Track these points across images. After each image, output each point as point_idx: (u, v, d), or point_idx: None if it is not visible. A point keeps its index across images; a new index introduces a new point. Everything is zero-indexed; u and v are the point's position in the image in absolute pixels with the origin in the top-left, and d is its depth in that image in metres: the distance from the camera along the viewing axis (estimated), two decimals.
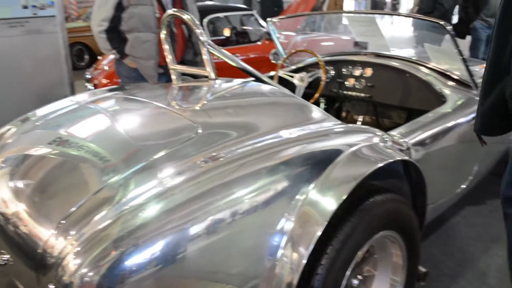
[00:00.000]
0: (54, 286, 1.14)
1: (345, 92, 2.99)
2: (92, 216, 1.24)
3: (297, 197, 1.37)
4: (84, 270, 1.12)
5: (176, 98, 2.13)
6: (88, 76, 5.33)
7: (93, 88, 5.00)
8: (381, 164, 1.54)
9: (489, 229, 2.79)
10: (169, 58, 2.42)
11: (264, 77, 2.27)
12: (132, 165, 1.42)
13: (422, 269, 1.90)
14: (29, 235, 1.35)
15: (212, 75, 2.20)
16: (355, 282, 1.65)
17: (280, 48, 3.37)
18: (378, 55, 2.90)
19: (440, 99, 2.46)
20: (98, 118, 1.91)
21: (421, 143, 1.98)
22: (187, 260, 1.19)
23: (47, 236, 1.27)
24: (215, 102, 1.97)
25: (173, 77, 2.45)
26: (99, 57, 5.85)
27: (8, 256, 1.51)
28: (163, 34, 2.35)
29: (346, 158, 1.51)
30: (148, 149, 1.53)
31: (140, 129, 1.77)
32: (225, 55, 2.22)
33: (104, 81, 4.88)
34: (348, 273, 1.49)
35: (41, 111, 2.16)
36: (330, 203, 1.37)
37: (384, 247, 1.75)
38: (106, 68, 5.06)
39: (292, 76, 3.07)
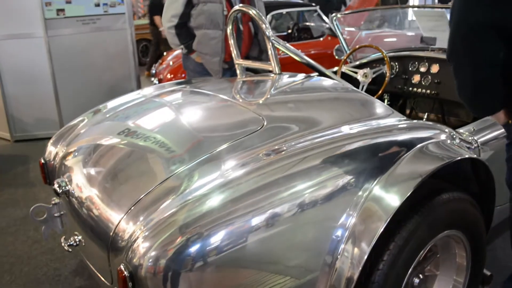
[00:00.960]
0: (124, 266, 1.20)
1: (410, 88, 2.92)
2: (159, 204, 1.30)
3: (360, 192, 1.36)
4: (152, 253, 1.17)
5: (241, 92, 2.17)
6: (153, 71, 5.51)
7: (158, 82, 5.17)
8: (448, 161, 1.50)
9: None
10: (234, 53, 2.47)
11: (328, 72, 2.27)
12: (197, 156, 1.47)
13: (486, 272, 1.84)
14: (101, 218, 1.44)
15: (277, 70, 2.23)
16: (416, 280, 1.62)
17: (343, 44, 3.33)
18: (444, 50, 2.79)
19: None
20: (164, 110, 1.99)
21: (491, 142, 1.90)
22: (248, 250, 1.22)
23: (118, 220, 1.34)
24: (279, 96, 1.99)
25: (238, 71, 2.50)
26: (164, 53, 6.03)
27: (80, 237, 1.62)
28: (229, 30, 2.40)
29: (412, 154, 1.48)
30: (213, 141, 1.57)
31: (205, 121, 1.83)
32: (289, 49, 2.24)
33: (169, 76, 5.03)
34: (410, 270, 1.46)
35: (111, 104, 2.28)
36: (393, 200, 1.35)
37: (448, 247, 1.70)
38: (170, 63, 5.21)
39: (355, 72, 3.03)
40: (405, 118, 1.77)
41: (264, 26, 2.21)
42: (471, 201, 1.64)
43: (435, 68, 2.77)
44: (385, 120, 1.72)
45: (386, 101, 3.07)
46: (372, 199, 1.36)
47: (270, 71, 2.31)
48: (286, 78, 2.20)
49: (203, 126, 1.77)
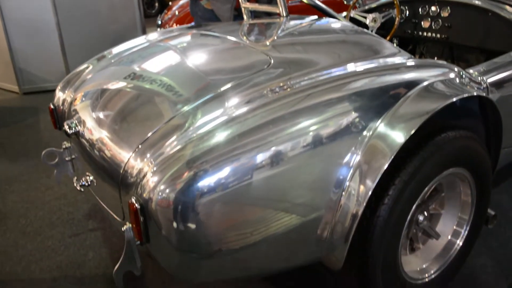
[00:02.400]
0: (135, 200, 1.24)
1: (420, 33, 2.87)
2: (166, 141, 1.32)
3: (366, 130, 1.37)
4: (162, 187, 1.20)
5: (248, 34, 2.16)
6: (159, 22, 5.44)
7: None
8: (455, 99, 1.49)
9: None
10: None
11: (336, 15, 2.23)
12: (202, 96, 1.48)
13: (491, 212, 1.86)
14: (111, 157, 1.46)
15: (284, 13, 2.19)
16: (421, 218, 1.65)
17: None
18: None
19: None
20: (170, 53, 1.98)
21: (500, 84, 1.88)
22: (253, 186, 1.24)
23: (127, 158, 1.37)
24: (287, 37, 1.98)
25: (244, 15, 2.46)
26: (170, 3, 5.93)
27: (92, 177, 1.66)
28: None
29: (419, 92, 1.48)
30: (219, 80, 1.57)
31: (211, 62, 1.82)
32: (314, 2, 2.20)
33: (174, 25, 4.96)
34: (414, 206, 1.49)
35: (116, 49, 2.27)
36: (398, 136, 1.35)
37: (453, 185, 1.72)
38: (176, 13, 5.13)
39: (364, 17, 2.98)
40: (412, 57, 1.75)
41: None
42: (478, 140, 1.64)
43: (445, 12, 2.71)
44: (392, 58, 1.70)
45: (395, 45, 3.02)
46: (377, 136, 1.36)
47: (278, 14, 2.28)
48: (293, 21, 2.17)
49: (209, 67, 1.77)
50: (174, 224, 1.21)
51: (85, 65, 2.21)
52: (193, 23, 4.98)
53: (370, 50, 1.80)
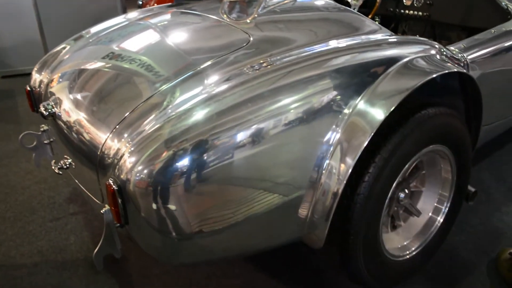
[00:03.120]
0: (113, 181, 1.22)
1: (402, 10, 2.85)
2: (143, 120, 1.30)
3: (346, 107, 1.36)
4: (139, 168, 1.18)
5: (229, 11, 2.12)
6: (140, 2, 5.33)
7: None
8: (435, 75, 1.49)
9: None
10: None
11: None
12: (181, 74, 1.45)
13: (471, 188, 1.88)
14: (88, 139, 1.44)
15: None
16: (402, 195, 1.66)
17: None
18: None
19: (506, 16, 2.29)
20: (149, 32, 1.94)
21: (480, 61, 1.88)
22: (233, 165, 1.23)
23: (104, 139, 1.34)
24: (268, 15, 1.94)
25: None
26: None
27: (70, 160, 1.63)
28: None
29: (399, 69, 1.47)
30: (198, 58, 1.55)
31: (191, 40, 1.79)
32: None
33: (156, 5, 4.87)
34: (395, 183, 1.49)
35: (94, 29, 2.22)
36: (378, 113, 1.35)
37: (433, 162, 1.73)
38: (153, 5, 5.03)
39: None
40: (393, 34, 1.74)
41: None
42: (458, 117, 1.65)
43: None
44: (373, 35, 1.69)
45: (377, 23, 3.01)
46: (357, 113, 1.36)
47: None
48: None
49: (188, 46, 1.73)
50: (153, 206, 1.19)
51: (62, 46, 2.16)
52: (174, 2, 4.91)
53: (351, 27, 1.78)
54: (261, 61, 1.45)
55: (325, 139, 1.34)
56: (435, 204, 1.81)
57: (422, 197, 1.82)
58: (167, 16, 2.16)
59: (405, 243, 1.76)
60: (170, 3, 2.62)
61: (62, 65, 1.92)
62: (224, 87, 1.34)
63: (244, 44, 1.57)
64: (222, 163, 1.21)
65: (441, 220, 1.79)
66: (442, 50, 1.71)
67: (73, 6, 4.80)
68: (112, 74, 1.65)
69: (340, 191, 1.32)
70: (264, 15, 1.98)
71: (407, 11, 2.82)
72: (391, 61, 1.50)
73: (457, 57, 1.77)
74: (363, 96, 1.38)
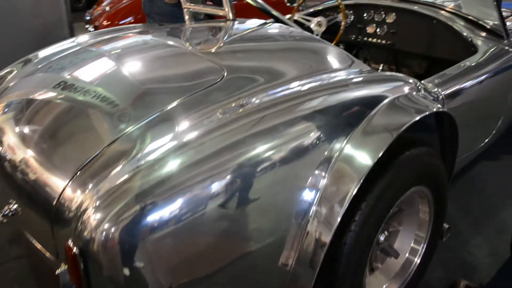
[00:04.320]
0: (72, 242, 1.05)
1: (365, 38, 2.83)
2: (110, 170, 1.13)
3: (331, 151, 1.27)
4: (106, 226, 1.02)
5: (193, 38, 1.98)
6: (88, 17, 5.10)
7: (93, 30, 4.79)
8: (419, 117, 1.43)
9: (505, 185, 2.72)
10: None
11: (285, 19, 2.12)
12: (147, 114, 1.29)
13: (445, 225, 1.83)
14: (40, 184, 1.25)
15: (231, 15, 2.04)
16: (382, 238, 1.58)
17: None
18: (404, 0, 2.70)
19: (469, 48, 2.31)
20: (105, 60, 1.76)
21: (453, 94, 1.85)
22: (209, 217, 1.10)
23: (62, 187, 1.17)
24: (236, 44, 1.83)
25: (186, 16, 2.29)
26: None
27: (16, 206, 1.42)
28: None
29: (382, 110, 1.39)
30: (166, 95, 1.40)
31: (154, 72, 1.63)
32: (260, 4, 2.06)
33: (105, 22, 4.68)
34: (380, 229, 1.41)
35: (43, 53, 2.02)
36: (365, 159, 1.26)
37: (412, 202, 1.66)
38: (107, 9, 4.83)
39: (308, 20, 2.90)
40: (368, 68, 1.67)
41: None
42: (437, 155, 1.60)
43: (391, 18, 2.68)
44: (349, 70, 1.61)
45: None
46: (343, 158, 1.26)
47: (223, 17, 2.13)
48: (241, 25, 2.03)
49: (152, 78, 1.57)
50: (122, 267, 1.04)
51: (7, 70, 1.95)
52: (129, 19, 4.71)
53: (326, 60, 1.70)
54: (235, 104, 1.31)
55: (311, 184, 1.23)
56: (412, 245, 1.75)
57: (399, 237, 1.75)
58: (124, 43, 1.97)
59: (384, 286, 1.68)
60: (124, 26, 2.44)
61: (8, 92, 1.72)
62: (196, 133, 1.20)
63: (218, 80, 1.42)
64: (195, 215, 1.08)
65: (418, 261, 1.73)
66: (419, 86, 1.66)
67: (14, 21, 4.49)
68: (67, 108, 1.47)
69: (329, 241, 1.21)
70: (230, 43, 1.86)
71: (370, 39, 2.80)
72: (374, 101, 1.42)
73: (433, 93, 1.73)
74: (349, 139, 1.29)
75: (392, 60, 2.92)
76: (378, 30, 2.76)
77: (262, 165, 1.18)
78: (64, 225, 1.13)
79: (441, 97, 1.76)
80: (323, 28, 2.83)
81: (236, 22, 2.04)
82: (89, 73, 1.67)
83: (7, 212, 1.44)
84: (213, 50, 1.70)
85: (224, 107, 1.28)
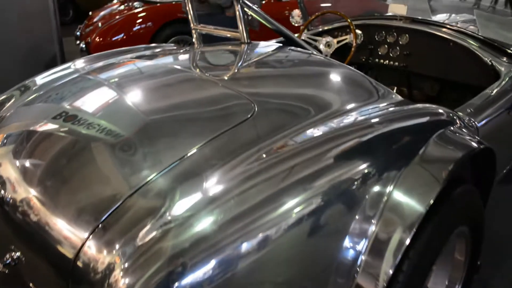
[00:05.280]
0: None
1: (376, 60, 2.73)
2: (137, 226, 0.99)
3: (378, 195, 1.15)
4: None
5: (207, 64, 1.84)
6: (78, 33, 4.95)
7: (84, 46, 4.63)
8: (465, 153, 1.31)
9: None
10: (190, 14, 2.12)
11: (303, 43, 2.01)
12: (171, 158, 1.14)
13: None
14: (53, 234, 1.09)
15: (246, 38, 1.92)
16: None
17: (303, 7, 3.05)
18: (416, 21, 2.62)
19: (489, 72, 2.22)
20: (113, 90, 1.59)
21: (485, 124, 1.75)
22: (249, 277, 0.99)
23: (81, 241, 1.01)
24: (258, 70, 1.70)
25: (195, 39, 2.16)
26: (90, 13, 5.42)
27: (19, 253, 1.25)
28: None
29: (429, 148, 1.28)
30: (189, 135, 1.25)
31: (171, 104, 1.46)
32: (260, 14, 1.94)
33: (98, 39, 4.52)
34: (427, 277, 1.29)
35: (40, 80, 1.87)
36: (417, 205, 1.15)
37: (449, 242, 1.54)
38: (99, 25, 4.67)
39: (315, 40, 2.79)
40: (399, 97, 1.56)
41: None
42: (476, 191, 1.49)
43: (404, 39, 2.59)
44: (382, 101, 1.49)
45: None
46: (392, 204, 1.14)
47: (236, 40, 2.01)
48: (257, 48, 1.91)
49: (170, 113, 1.40)
50: None
51: (3, 96, 1.79)
52: (121, 35, 4.57)
53: (358, 91, 1.58)
54: (272, 145, 1.17)
55: (358, 232, 1.11)
56: (447, 283, 1.63)
57: (432, 277, 1.63)
58: (127, 69, 1.81)
59: None
60: (125, 48, 2.27)
61: (7, 123, 1.56)
62: (229, 184, 1.06)
63: (249, 116, 1.26)
64: (236, 277, 0.96)
65: None
66: (455, 117, 1.55)
67: (3, 37, 4.31)
68: (76, 144, 1.31)
69: None
70: (250, 69, 1.73)
71: (382, 61, 2.70)
72: (418, 138, 1.31)
73: (470, 125, 1.62)
74: (397, 182, 1.17)
75: (404, 82, 2.83)
76: (390, 51, 2.66)
77: (305, 214, 1.05)
78: (86, 286, 0.98)
79: (476, 127, 1.66)
80: (332, 49, 2.73)
81: (252, 46, 1.92)
82: (98, 104, 1.50)
83: (8, 261, 1.28)
84: (233, 78, 1.57)
85: (259, 151, 1.14)
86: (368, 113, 1.37)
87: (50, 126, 1.43)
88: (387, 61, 2.68)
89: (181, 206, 1.01)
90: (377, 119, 1.35)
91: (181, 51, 2.07)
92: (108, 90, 1.61)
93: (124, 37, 4.69)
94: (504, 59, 2.27)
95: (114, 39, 4.63)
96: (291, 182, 1.08)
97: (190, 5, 2.10)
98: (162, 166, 1.12)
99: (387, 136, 1.29)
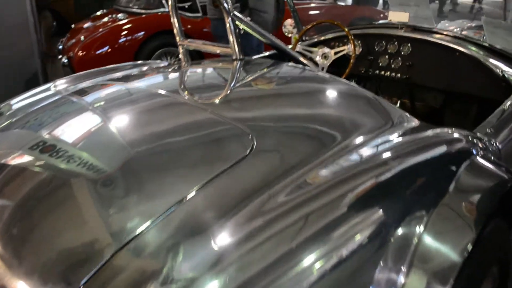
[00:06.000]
0: None
1: (377, 71, 2.56)
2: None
3: (404, 243, 0.97)
4: None
5: (197, 87, 1.64)
6: (60, 47, 4.74)
7: (67, 61, 4.43)
8: (500, 189, 1.15)
9: None
10: (175, 27, 1.94)
11: (296, 54, 1.84)
12: (165, 205, 0.95)
13: None
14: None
15: (238, 54, 1.73)
16: None
17: (296, 17, 2.86)
18: (418, 29, 2.45)
19: (500, 83, 2.06)
20: (97, 118, 1.40)
21: (507, 144, 1.58)
22: None
23: None
24: (254, 93, 1.51)
25: (181, 55, 1.97)
26: (72, 26, 5.21)
27: None
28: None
29: (458, 186, 1.11)
30: (181, 175, 1.06)
31: (158, 137, 1.24)
32: (254, 28, 1.77)
33: (81, 53, 4.33)
34: None
35: (16, 103, 1.67)
36: (452, 255, 0.98)
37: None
38: (82, 38, 4.47)
39: (310, 52, 2.62)
40: (415, 121, 1.38)
41: None
42: (507, 226, 1.32)
43: (406, 49, 2.42)
44: (402, 129, 1.30)
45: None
46: (423, 251, 0.97)
47: (226, 56, 1.82)
48: (252, 66, 1.74)
49: (159, 147, 1.20)
50: None
51: None
52: (105, 48, 4.38)
53: (372, 116, 1.38)
54: (277, 188, 0.98)
55: (384, 282, 0.93)
56: None
57: None
58: (110, 95, 1.59)
59: None
60: (108, 67, 2.08)
61: None
62: (235, 238, 0.88)
63: (247, 152, 1.06)
64: None
65: None
66: (477, 142, 1.38)
67: None
68: (49, 183, 1.12)
69: None
70: (238, 90, 1.53)
71: (383, 72, 2.53)
72: (445, 172, 1.15)
73: (493, 148, 1.45)
74: (426, 225, 1.00)
75: (406, 94, 2.66)
76: (392, 62, 2.49)
77: (325, 270, 0.87)
78: None
79: (498, 150, 1.49)
80: (329, 61, 2.56)
81: (245, 63, 1.74)
82: (77, 136, 1.29)
83: None
84: (226, 104, 1.38)
85: (265, 199, 0.96)
86: (384, 145, 1.19)
87: (21, 159, 1.23)
88: (388, 73, 2.51)
89: (181, 265, 0.83)
90: (394, 152, 1.17)
91: (169, 70, 1.88)
92: (89, 119, 1.41)
93: (109, 50, 4.50)
94: None
95: (98, 52, 4.44)
96: (306, 236, 0.91)
97: (175, 19, 1.91)
98: (153, 213, 0.92)
99: (409, 172, 1.11)
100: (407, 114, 1.39)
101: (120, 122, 1.33)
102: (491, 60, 2.15)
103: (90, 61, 4.35)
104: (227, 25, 1.71)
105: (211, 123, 1.23)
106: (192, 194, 0.96)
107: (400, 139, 1.23)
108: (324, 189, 1.00)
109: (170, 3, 1.86)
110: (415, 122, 1.35)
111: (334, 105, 1.46)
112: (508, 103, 1.81)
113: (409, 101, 2.66)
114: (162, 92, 1.46)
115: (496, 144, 1.49)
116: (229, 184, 0.99)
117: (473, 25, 3.33)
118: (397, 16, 2.44)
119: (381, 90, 2.75)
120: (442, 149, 1.25)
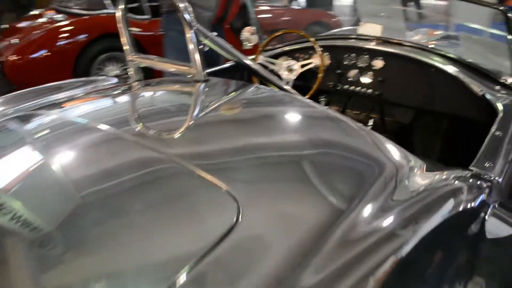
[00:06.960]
0: None
1: (345, 86, 2.37)
2: None
3: None
4: None
5: (155, 121, 1.30)
6: (5, 26, 4.31)
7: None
8: None
9: None
10: (126, 41, 1.66)
11: (258, 67, 1.62)
12: None
13: None
14: None
15: (201, 75, 1.48)
16: None
17: (257, 26, 2.61)
18: (391, 42, 2.28)
19: (479, 102, 1.92)
20: (33, 155, 1.11)
21: (505, 176, 1.42)
22: None
23: None
24: (213, 120, 1.25)
25: (132, 71, 1.70)
26: (6, 26, 4.73)
27: None
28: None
29: (486, 251, 0.94)
30: (157, 262, 0.77)
31: (108, 197, 0.93)
32: (216, 43, 1.53)
33: (14, 57, 3.91)
34: None
35: None
36: None
37: None
38: (17, 41, 4.04)
39: (274, 64, 2.40)
40: (419, 161, 1.18)
41: (181, 5, 1.45)
42: None
43: (378, 63, 2.25)
44: (406, 179, 1.08)
45: (323, 103, 2.52)
46: None
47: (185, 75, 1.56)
48: (219, 89, 1.49)
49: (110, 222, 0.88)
50: None
51: None
52: (42, 52, 3.99)
53: (373, 167, 1.11)
54: (280, 275, 0.73)
55: None
56: None
57: None
58: (44, 126, 1.26)
59: None
60: (45, 86, 1.75)
61: None
62: None
63: (232, 225, 0.79)
64: None
65: None
66: (485, 186, 1.21)
67: None
68: None
69: None
70: (205, 126, 1.24)
71: (353, 87, 2.35)
72: (468, 237, 0.99)
73: (496, 185, 1.28)
74: None
75: (375, 111, 2.50)
76: (362, 77, 2.31)
77: None
78: None
79: (501, 187, 1.32)
80: (295, 75, 2.34)
81: (210, 85, 1.48)
82: (8, 175, 1.01)
83: None
84: (171, 136, 1.11)
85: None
86: (393, 209, 0.95)
87: None
88: (358, 88, 2.32)
89: None
90: (406, 217, 0.94)
91: (117, 93, 1.59)
92: (22, 151, 1.12)
93: (48, 53, 4.11)
94: (497, 88, 1.98)
95: (34, 56, 4.03)
96: None
97: (124, 31, 1.64)
98: None
99: (429, 245, 0.90)
100: (409, 154, 1.18)
101: (59, 173, 1.03)
102: (469, 78, 2.01)
103: (24, 67, 3.94)
104: (188, 42, 1.45)
105: (183, 178, 0.95)
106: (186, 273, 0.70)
107: (407, 196, 1.00)
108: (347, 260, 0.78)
109: (119, 13, 1.58)
110: (417, 166, 1.14)
111: (324, 157, 1.14)
112: (495, 128, 1.65)
113: (380, 118, 2.50)
114: (106, 128, 1.15)
115: (497, 180, 1.32)
116: (216, 270, 0.74)
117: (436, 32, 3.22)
118: (368, 29, 2.25)
119: (350, 105, 2.57)
120: (453, 204, 1.03)
